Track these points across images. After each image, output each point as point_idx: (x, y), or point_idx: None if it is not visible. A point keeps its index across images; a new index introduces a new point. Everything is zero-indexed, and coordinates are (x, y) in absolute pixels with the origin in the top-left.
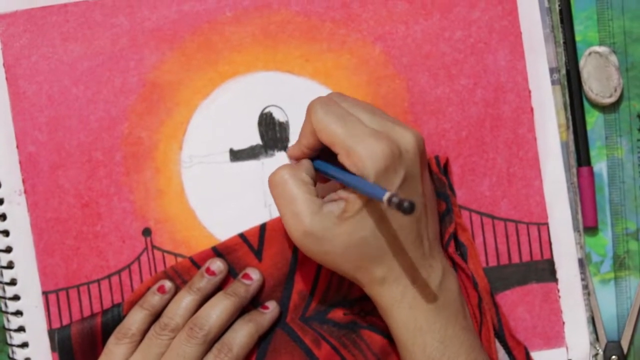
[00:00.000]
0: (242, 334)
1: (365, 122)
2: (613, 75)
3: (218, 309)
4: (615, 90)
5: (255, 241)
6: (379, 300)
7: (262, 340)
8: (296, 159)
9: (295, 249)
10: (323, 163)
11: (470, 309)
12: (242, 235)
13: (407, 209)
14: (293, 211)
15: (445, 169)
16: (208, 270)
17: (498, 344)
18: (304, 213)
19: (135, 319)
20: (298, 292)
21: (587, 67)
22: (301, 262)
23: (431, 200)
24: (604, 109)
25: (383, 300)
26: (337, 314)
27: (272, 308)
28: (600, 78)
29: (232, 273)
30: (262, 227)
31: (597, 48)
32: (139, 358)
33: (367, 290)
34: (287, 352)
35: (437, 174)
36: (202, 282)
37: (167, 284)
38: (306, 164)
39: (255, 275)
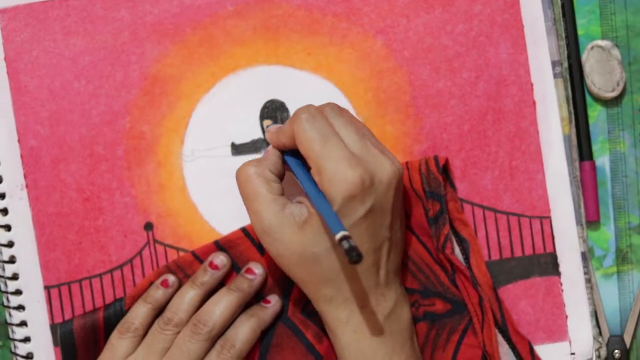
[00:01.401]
0: (245, 330)
1: (349, 145)
2: (615, 69)
3: (222, 305)
4: (618, 84)
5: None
6: (325, 317)
7: (265, 335)
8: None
9: None
10: (295, 163)
11: (471, 307)
12: (244, 230)
13: (353, 258)
14: (254, 209)
15: (445, 168)
16: (211, 264)
17: (501, 339)
18: (264, 212)
19: (139, 313)
20: (299, 286)
21: (590, 61)
22: None
23: (400, 232)
24: (606, 102)
25: (328, 319)
26: None
27: (274, 302)
28: (602, 72)
29: (234, 267)
30: None
31: (599, 42)
32: (143, 353)
33: (314, 305)
34: (289, 347)
35: (434, 173)
36: (206, 277)
37: (171, 278)
38: (273, 157)
39: (258, 269)
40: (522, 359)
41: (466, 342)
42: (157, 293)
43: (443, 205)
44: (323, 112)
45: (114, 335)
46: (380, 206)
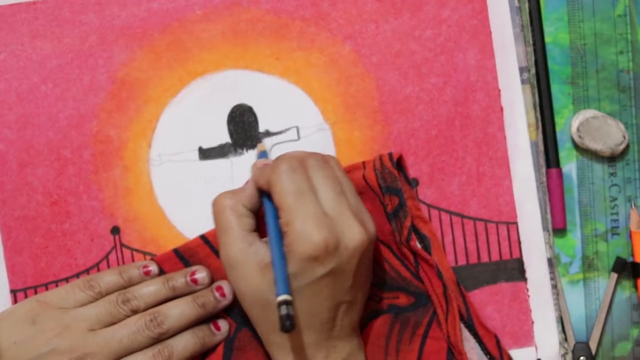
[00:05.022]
0: (186, 347)
1: (323, 203)
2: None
3: (183, 316)
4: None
5: (216, 242)
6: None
7: (226, 340)
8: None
9: None
10: (270, 207)
11: (435, 298)
12: (203, 237)
13: (286, 326)
14: (222, 241)
15: (399, 163)
16: (193, 278)
17: (468, 333)
18: (231, 246)
19: (108, 280)
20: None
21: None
22: None
23: (362, 292)
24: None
25: None
26: None
27: (223, 331)
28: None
29: None
30: None
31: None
32: (91, 313)
33: (265, 347)
34: (252, 349)
35: (388, 168)
36: (181, 284)
37: (154, 270)
38: (251, 190)
39: (228, 292)
40: (489, 353)
41: (432, 335)
42: (135, 273)
43: (401, 198)
44: (305, 164)
45: (78, 284)
46: (343, 270)
